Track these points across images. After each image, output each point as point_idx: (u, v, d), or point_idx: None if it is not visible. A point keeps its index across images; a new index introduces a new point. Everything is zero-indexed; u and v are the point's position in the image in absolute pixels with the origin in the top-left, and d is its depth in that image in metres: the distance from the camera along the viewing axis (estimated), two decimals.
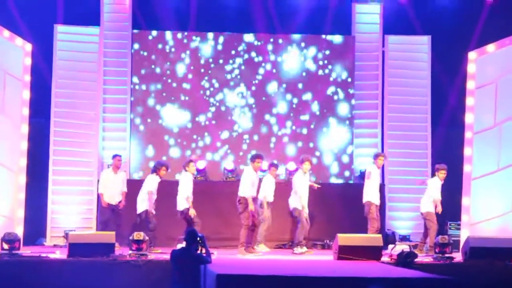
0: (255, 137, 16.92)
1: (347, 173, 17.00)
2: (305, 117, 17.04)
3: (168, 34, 16.96)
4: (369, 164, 14.94)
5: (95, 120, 16.41)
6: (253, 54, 17.06)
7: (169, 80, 16.85)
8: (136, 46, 16.85)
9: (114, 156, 14.96)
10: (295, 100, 17.05)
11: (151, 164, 15.60)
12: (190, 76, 16.91)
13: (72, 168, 16.05)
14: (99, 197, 15.02)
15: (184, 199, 13.62)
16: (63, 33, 16.48)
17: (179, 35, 16.96)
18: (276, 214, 14.93)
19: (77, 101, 16.35)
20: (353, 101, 17.09)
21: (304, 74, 17.10)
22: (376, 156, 14.45)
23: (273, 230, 15.13)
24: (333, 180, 16.92)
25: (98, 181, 15.32)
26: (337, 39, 17.22)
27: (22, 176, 14.20)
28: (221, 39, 17.01)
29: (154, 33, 16.93)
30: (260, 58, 17.07)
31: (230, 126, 16.93)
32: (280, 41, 17.11)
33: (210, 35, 17.00)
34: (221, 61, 16.99)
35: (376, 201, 14.09)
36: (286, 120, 17.02)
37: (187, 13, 17.02)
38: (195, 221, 13.61)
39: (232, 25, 17.10)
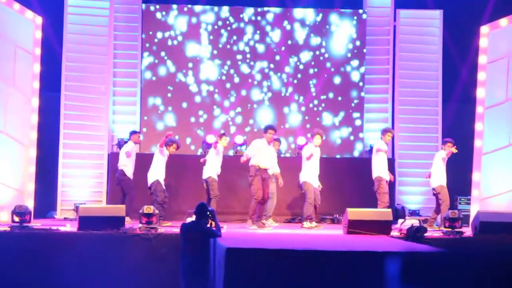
0: (265, 111, 16.88)
1: (358, 146, 16.96)
2: (315, 91, 16.98)
3: (178, 7, 16.89)
4: (377, 139, 14.88)
5: (105, 94, 16.42)
6: (264, 27, 16.99)
7: (180, 51, 16.79)
8: (146, 19, 16.80)
9: (135, 133, 14.92)
10: (305, 72, 16.99)
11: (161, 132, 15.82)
12: (201, 47, 16.85)
13: (83, 142, 16.11)
14: (109, 171, 15.09)
15: (211, 169, 13.85)
16: (73, 6, 16.46)
17: (189, 8, 16.90)
18: (285, 188, 14.91)
19: (87, 75, 16.36)
20: (364, 76, 17.01)
21: (315, 45, 17.01)
22: (384, 132, 14.31)
23: (282, 204, 15.15)
24: (344, 153, 16.90)
25: (108, 156, 15.51)
26: (348, 12, 17.12)
27: (33, 149, 14.23)
28: (231, 11, 16.93)
29: (164, 6, 16.87)
30: (270, 31, 17.00)
31: (241, 97, 16.89)
32: (291, 12, 17.02)
33: (221, 8, 16.93)
34: (231, 32, 16.93)
35: (386, 176, 14.05)
36: (296, 94, 16.97)
37: None
38: (215, 195, 13.70)
39: None
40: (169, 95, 16.77)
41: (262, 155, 13.38)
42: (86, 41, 16.43)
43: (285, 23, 17.02)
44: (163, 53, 16.79)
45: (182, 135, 16.56)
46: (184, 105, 16.79)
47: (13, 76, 13.95)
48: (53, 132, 15.98)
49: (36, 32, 14.46)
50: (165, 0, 17.00)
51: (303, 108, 16.96)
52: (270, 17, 17.01)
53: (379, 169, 13.99)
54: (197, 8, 16.92)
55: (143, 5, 16.83)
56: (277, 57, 16.98)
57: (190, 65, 16.82)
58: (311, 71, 16.99)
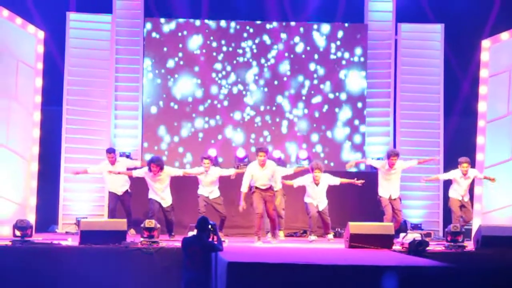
0: (267, 120, 16.89)
1: (359, 155, 16.86)
2: (317, 99, 16.97)
3: (180, 21, 16.92)
4: (383, 159, 14.93)
5: (107, 108, 16.44)
6: (265, 37, 16.99)
7: (181, 62, 16.80)
8: (148, 33, 16.83)
9: (106, 152, 14.87)
10: (307, 82, 17.00)
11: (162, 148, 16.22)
12: (202, 58, 16.85)
13: (84, 156, 16.08)
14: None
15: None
16: (75, 20, 16.50)
17: (191, 21, 16.93)
18: (286, 202, 14.85)
19: (89, 89, 16.39)
20: (365, 86, 17.02)
21: (316, 57, 17.00)
22: (388, 156, 14.27)
23: (284, 218, 15.11)
24: (345, 157, 16.85)
25: None
26: (349, 27, 17.15)
27: (35, 163, 14.23)
28: (233, 25, 16.97)
29: (166, 20, 16.90)
30: (272, 41, 16.98)
31: (242, 107, 16.89)
32: (293, 23, 17.04)
33: (222, 22, 16.97)
34: (233, 43, 16.94)
35: (384, 194, 14.15)
36: (298, 102, 16.98)
37: (199, 0, 17.03)
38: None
39: (244, 13, 17.05)
40: (171, 103, 16.77)
41: (257, 178, 13.29)
42: (88, 56, 16.46)
43: (286, 37, 17.02)
44: (165, 66, 16.79)
45: (184, 144, 16.65)
46: (187, 112, 16.80)
47: (15, 90, 13.98)
48: (55, 146, 15.98)
49: (38, 47, 14.50)
50: (167, 14, 17.00)
51: (304, 116, 16.94)
52: (272, 28, 17.01)
53: (379, 188, 14.28)
54: (199, 21, 16.93)
55: (145, 18, 16.84)
56: (278, 67, 16.97)
57: (193, 75, 16.83)
58: (312, 83, 16.98)
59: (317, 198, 14.03)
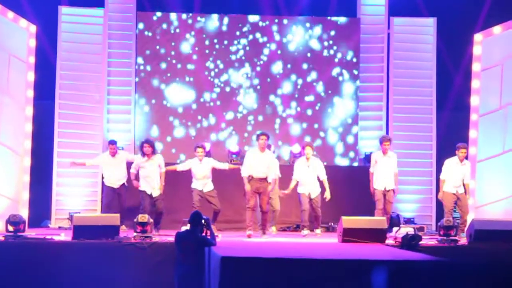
0: (260, 118, 16.91)
1: (351, 154, 16.99)
2: (309, 98, 17.00)
3: (173, 15, 16.90)
4: (375, 151, 14.93)
5: (99, 102, 16.40)
6: (258, 35, 17.00)
7: (174, 61, 16.82)
8: (140, 27, 16.80)
9: (108, 143, 14.94)
10: (300, 81, 17.02)
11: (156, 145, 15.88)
12: (194, 57, 16.87)
13: (77, 151, 16.03)
14: (103, 179, 15.08)
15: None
16: (67, 14, 16.45)
17: (184, 16, 16.92)
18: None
19: (81, 83, 16.34)
20: (358, 83, 17.04)
21: (309, 55, 17.04)
22: (381, 142, 14.35)
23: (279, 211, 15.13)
24: (338, 161, 16.92)
25: None
26: (342, 21, 17.15)
27: (27, 158, 14.19)
28: (225, 20, 16.96)
29: (159, 14, 16.88)
30: (265, 39, 17.01)
31: (234, 106, 16.91)
32: (285, 21, 17.04)
33: (215, 16, 16.96)
34: (225, 41, 16.95)
35: (379, 186, 14.15)
36: (290, 101, 16.99)
37: None
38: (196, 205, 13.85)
39: (237, 7, 17.05)
40: (164, 101, 16.76)
41: (255, 165, 13.27)
42: (80, 50, 16.41)
43: (279, 30, 17.01)
44: (157, 60, 16.78)
45: (177, 144, 16.61)
46: (180, 110, 16.78)
47: (7, 84, 13.92)
48: (47, 141, 15.94)
49: (30, 41, 14.43)
50: (159, 8, 16.95)
51: (297, 114, 16.95)
52: (264, 25, 17.00)
53: (374, 180, 14.27)
54: (192, 15, 16.89)
55: (137, 12, 16.81)
56: (271, 64, 16.97)
57: (185, 72, 16.81)
58: (305, 77, 16.98)
59: (309, 184, 13.95)
